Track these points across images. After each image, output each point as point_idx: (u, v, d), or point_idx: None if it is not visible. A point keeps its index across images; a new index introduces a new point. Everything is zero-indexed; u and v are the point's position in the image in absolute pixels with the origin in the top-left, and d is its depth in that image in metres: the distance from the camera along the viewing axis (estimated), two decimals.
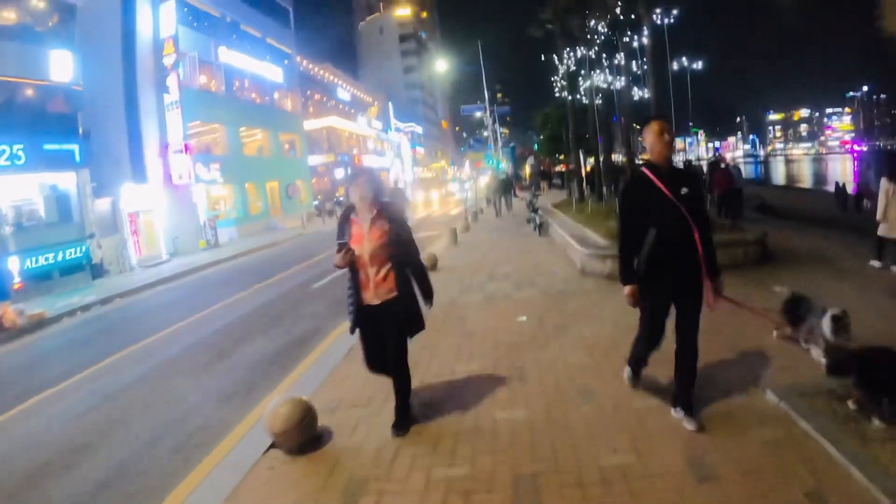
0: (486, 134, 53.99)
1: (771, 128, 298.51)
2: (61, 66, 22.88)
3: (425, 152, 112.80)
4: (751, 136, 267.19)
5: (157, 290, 19.13)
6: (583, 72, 22.12)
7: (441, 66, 67.21)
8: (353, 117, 69.73)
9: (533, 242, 16.68)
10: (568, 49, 22.55)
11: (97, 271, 23.25)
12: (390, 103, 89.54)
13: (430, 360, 6.76)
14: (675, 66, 39.08)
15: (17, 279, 19.51)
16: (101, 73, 28.78)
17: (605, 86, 21.75)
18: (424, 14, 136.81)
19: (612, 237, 10.77)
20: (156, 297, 17.47)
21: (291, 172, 44.94)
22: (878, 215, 9.29)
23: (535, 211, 19.33)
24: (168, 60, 30.17)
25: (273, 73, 42.90)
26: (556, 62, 24.78)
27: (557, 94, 26.48)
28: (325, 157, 59.87)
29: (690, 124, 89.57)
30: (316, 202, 50.19)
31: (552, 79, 27.11)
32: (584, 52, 21.52)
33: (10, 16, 22.34)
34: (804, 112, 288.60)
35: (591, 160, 27.15)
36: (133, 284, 20.00)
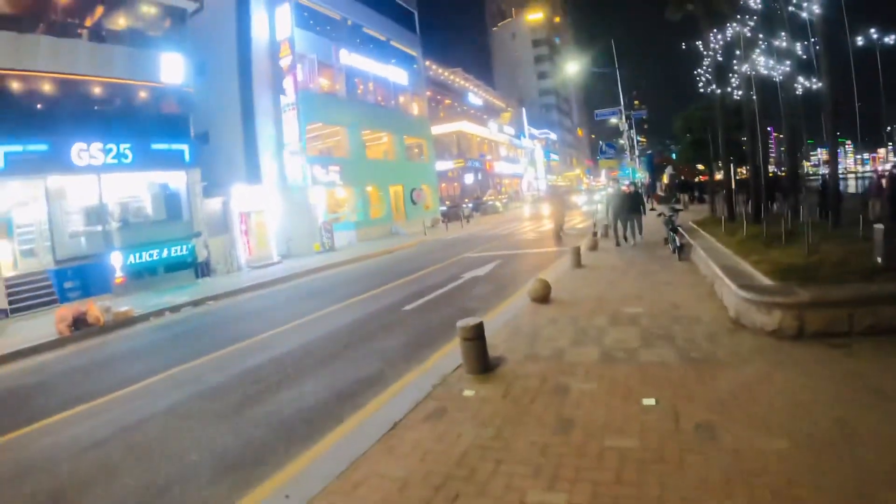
0: (621, 142, 50.84)
1: None
2: (172, 68, 22.92)
3: (560, 160, 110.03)
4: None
5: (253, 294, 18.18)
6: (735, 59, 17.81)
7: (574, 69, 64.76)
8: (485, 122, 68.16)
9: (671, 270, 13.03)
10: (715, 31, 18.48)
11: (203, 270, 23.03)
12: (523, 109, 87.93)
13: (491, 476, 4.30)
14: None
15: (119, 273, 19.72)
16: (219, 75, 28.92)
17: (765, 72, 17.39)
18: (557, 19, 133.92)
19: (782, 274, 8.19)
20: (246, 304, 16.41)
21: (417, 177, 43.71)
22: None
23: (674, 230, 15.53)
24: (284, 62, 29.64)
25: (398, 76, 41.98)
26: (701, 48, 19.71)
27: (701, 90, 21.70)
28: (454, 163, 58.62)
29: (838, 133, 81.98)
30: (443, 208, 48.98)
31: (695, 72, 22.40)
32: (738, 28, 16.41)
33: (120, 20, 22.55)
34: None
35: (742, 170, 23.84)
36: (232, 286, 19.32)
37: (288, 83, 29.41)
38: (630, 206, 18.23)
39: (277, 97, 29.81)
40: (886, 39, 15.85)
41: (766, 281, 8.19)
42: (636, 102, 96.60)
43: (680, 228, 15.81)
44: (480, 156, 65.46)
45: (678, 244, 14.59)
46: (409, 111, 44.64)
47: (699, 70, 21.47)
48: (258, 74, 29.46)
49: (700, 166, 44.68)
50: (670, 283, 11.20)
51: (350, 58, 35.83)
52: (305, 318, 12.50)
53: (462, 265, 18.60)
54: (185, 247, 22.45)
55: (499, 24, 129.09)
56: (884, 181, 16.78)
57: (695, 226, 18.48)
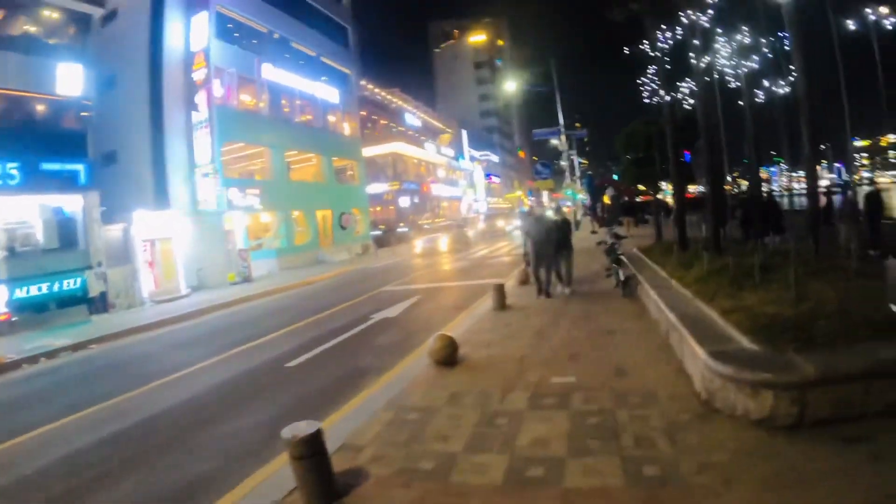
0: (563, 163, 49.50)
1: (856, 155, 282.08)
2: (70, 79, 20.57)
3: (501, 182, 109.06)
4: (836, 165, 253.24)
5: (139, 337, 15.73)
6: (687, 61, 15.15)
7: (515, 88, 63.44)
8: (422, 144, 66.37)
9: (614, 311, 10.85)
10: (664, 28, 16.18)
11: (99, 305, 20.48)
12: (464, 131, 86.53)
13: None
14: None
15: (3, 310, 17.45)
16: (130, 89, 26.55)
17: (726, 71, 14.98)
18: (501, 42, 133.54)
19: (766, 332, 5.98)
20: (124, 350, 14.04)
21: (347, 200, 41.35)
22: None
23: (617, 260, 13.57)
24: (198, 76, 27.28)
25: (328, 93, 39.73)
26: (648, 51, 16.94)
27: (646, 100, 19.22)
28: (389, 185, 56.55)
29: (773, 153, 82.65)
30: (377, 232, 46.81)
31: (639, 81, 19.78)
32: (694, 19, 14.15)
33: (15, 25, 20.16)
34: (892, 137, 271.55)
35: (691, 188, 22.26)
36: (123, 326, 16.92)
37: (201, 98, 27.01)
38: (556, 239, 13.17)
39: (190, 114, 27.33)
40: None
41: (747, 343, 5.96)
42: (577, 125, 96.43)
43: (624, 258, 13.93)
44: (419, 178, 63.61)
45: (622, 278, 12.54)
46: (339, 131, 42.40)
47: (643, 79, 19.27)
48: (171, 88, 26.98)
49: (641, 186, 43.39)
50: (614, 331, 9.18)
51: (275, 73, 33.53)
52: (174, 374, 10.36)
53: (377, 301, 16.66)
54: (77, 279, 19.96)
55: (441, 46, 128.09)
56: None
57: (640, 254, 16.45)
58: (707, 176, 14.00)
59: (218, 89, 28.74)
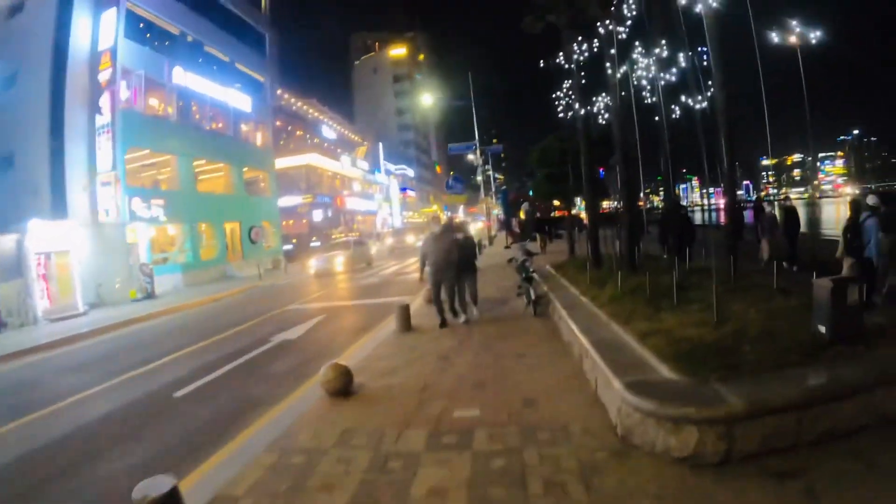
0: (478, 179, 49.19)
1: (764, 173, 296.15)
2: None
3: (417, 196, 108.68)
4: (744, 182, 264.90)
5: (27, 361, 14.09)
6: (603, 72, 14.40)
7: (433, 102, 63.07)
8: (338, 156, 65.27)
9: (525, 333, 10.33)
10: (581, 39, 15.32)
11: None
12: (380, 144, 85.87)
13: None
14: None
15: None
16: (29, 87, 24.70)
17: (643, 85, 14.53)
18: (421, 57, 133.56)
19: (688, 358, 5.58)
20: (8, 376, 12.43)
21: (257, 213, 39.91)
22: None
23: (528, 278, 12.77)
24: (103, 76, 25.59)
25: (241, 101, 38.39)
26: (563, 63, 16.19)
27: (561, 114, 18.73)
28: (303, 198, 55.20)
29: (684, 171, 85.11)
30: (289, 246, 45.45)
31: (553, 96, 19.38)
32: (611, 29, 12.94)
33: None
34: (797, 157, 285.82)
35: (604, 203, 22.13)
36: (7, 348, 15.23)
37: (105, 101, 25.33)
38: (459, 260, 11.55)
39: (94, 117, 25.62)
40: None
41: (666, 371, 5.53)
42: (495, 141, 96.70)
43: (535, 276, 13.35)
44: (333, 191, 62.46)
45: (533, 297, 12.14)
46: (251, 140, 41.20)
47: (559, 94, 18.79)
48: (74, 89, 25.14)
49: (556, 202, 43.40)
50: (524, 355, 8.66)
51: (185, 77, 32.07)
52: (50, 407, 9.09)
53: (280, 321, 15.80)
54: None
55: (361, 58, 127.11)
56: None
57: (553, 271, 16.06)
58: (622, 191, 13.26)
59: (124, 92, 27.14)
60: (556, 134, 24.26)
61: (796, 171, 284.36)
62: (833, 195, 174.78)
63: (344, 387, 7.36)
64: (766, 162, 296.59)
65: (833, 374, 5.00)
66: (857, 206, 9.65)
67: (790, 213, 15.03)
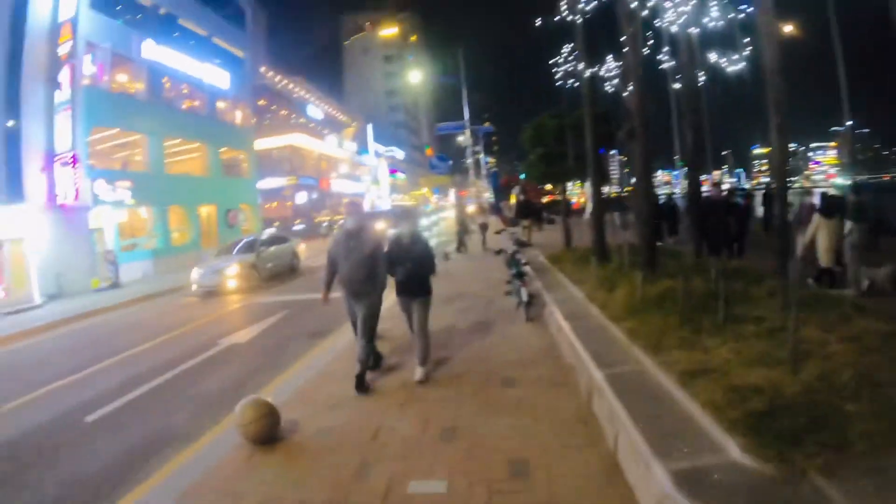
0: (468, 161, 47.55)
1: (756, 161, 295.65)
2: None
3: (407, 178, 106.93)
4: (736, 170, 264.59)
5: None
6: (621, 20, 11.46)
7: (422, 80, 61.27)
8: (323, 137, 63.46)
9: (515, 348, 8.35)
10: None
11: None
12: (369, 125, 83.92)
13: None
14: None
15: None
16: None
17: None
18: (414, 38, 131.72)
19: (774, 434, 3.59)
20: None
21: (235, 195, 38.09)
22: None
23: (519, 274, 10.81)
24: (63, 49, 23.78)
25: (218, 78, 36.39)
26: (567, 13, 11.86)
27: (559, 82, 15.96)
28: (287, 180, 53.44)
29: (676, 157, 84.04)
30: (271, 230, 43.75)
31: (552, 62, 16.48)
32: None
33: None
34: (790, 146, 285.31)
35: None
36: None
37: (64, 75, 23.53)
38: (404, 274, 7.47)
39: (53, 93, 23.84)
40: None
41: (736, 450, 3.58)
42: (486, 123, 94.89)
43: (528, 270, 11.64)
44: (319, 173, 60.77)
45: (524, 298, 10.22)
46: (229, 120, 39.20)
47: (557, 59, 16.42)
48: (32, 63, 23.15)
49: (548, 186, 41.74)
50: (513, 382, 6.80)
51: (157, 51, 30.09)
52: None
53: (237, 317, 14.63)
54: None
55: (351, 38, 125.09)
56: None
57: (548, 264, 14.15)
58: (641, 169, 10.38)
59: (88, 66, 25.35)
60: (552, 111, 22.28)
61: (789, 161, 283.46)
62: (824, 185, 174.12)
63: (267, 432, 5.69)
64: (757, 150, 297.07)
65: None
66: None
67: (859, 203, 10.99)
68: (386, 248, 7.52)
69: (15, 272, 20.54)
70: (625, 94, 11.49)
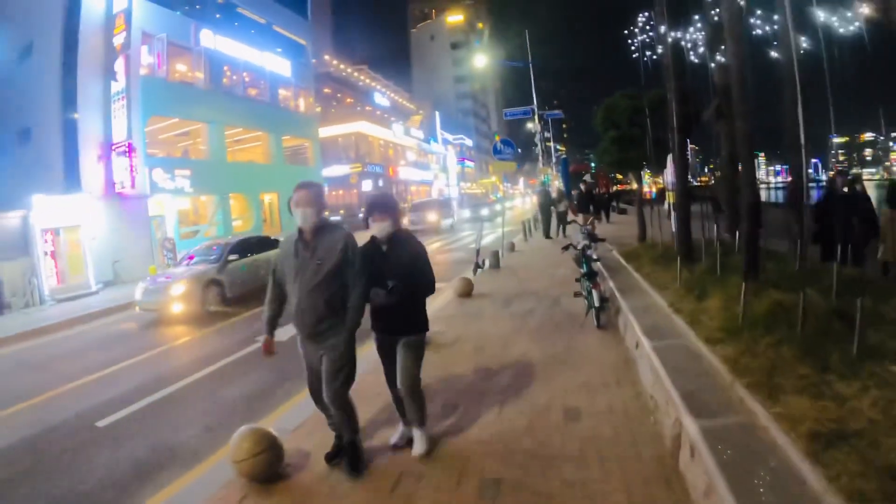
0: (537, 149, 46.29)
1: (834, 151, 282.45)
2: None
3: (476, 167, 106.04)
4: (813, 160, 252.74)
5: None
6: None
7: (490, 66, 60.33)
8: (390, 124, 63.12)
9: (581, 366, 6.81)
10: None
11: None
12: (437, 112, 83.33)
13: None
14: None
15: None
16: (44, 56, 23.26)
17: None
18: (481, 25, 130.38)
19: None
20: None
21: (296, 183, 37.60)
22: None
23: (591, 274, 8.92)
24: (118, 40, 23.83)
25: (280, 66, 36.30)
26: None
27: (636, 53, 14.02)
28: (351, 167, 53.29)
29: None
30: (336, 217, 43.57)
31: (627, 32, 14.27)
32: None
33: None
34: (869, 136, 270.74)
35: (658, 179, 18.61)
36: None
37: (119, 66, 23.59)
38: (382, 304, 4.83)
39: (109, 84, 23.96)
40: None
41: None
42: (556, 105, 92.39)
43: (599, 267, 10.14)
44: (386, 160, 60.53)
45: (596, 303, 8.53)
46: (291, 107, 39.05)
47: (633, 28, 14.61)
48: (88, 55, 23.39)
49: (618, 175, 40.22)
50: (578, 414, 5.34)
51: (215, 41, 30.11)
52: None
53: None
54: None
55: (418, 26, 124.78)
56: None
57: (622, 260, 12.49)
58: (743, 149, 8.23)
59: (145, 57, 25.52)
60: (626, 92, 20.46)
61: (868, 151, 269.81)
62: None
63: (267, 470, 4.55)
64: (836, 140, 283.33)
65: None
66: None
67: None
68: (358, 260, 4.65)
69: (71, 259, 20.65)
70: (712, 65, 10.13)
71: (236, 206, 31.87)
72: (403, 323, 4.77)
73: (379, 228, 4.74)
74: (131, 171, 22.94)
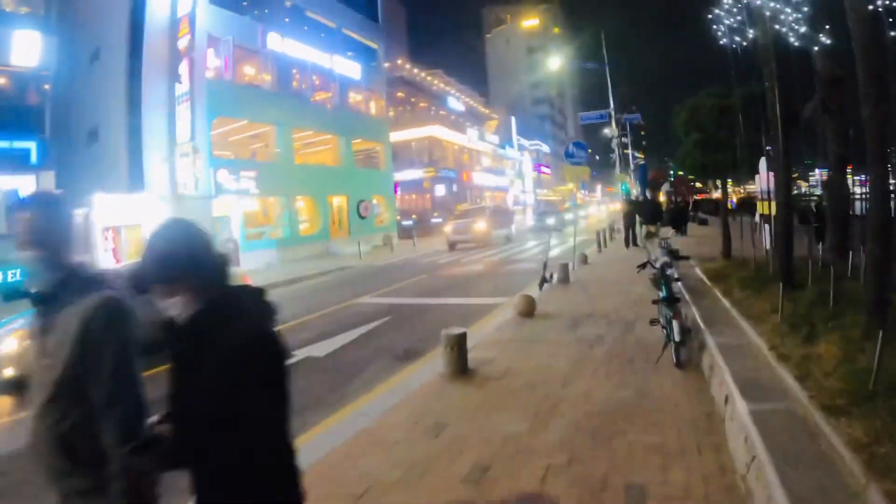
0: (614, 155, 44.49)
1: None
2: (26, 48, 19.23)
3: (552, 173, 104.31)
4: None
5: None
6: None
7: (566, 70, 59.04)
8: (464, 129, 62.35)
9: (652, 423, 5.18)
10: None
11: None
12: (512, 118, 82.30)
13: None
14: None
15: None
16: (110, 60, 23.62)
17: None
18: (556, 30, 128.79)
19: None
20: None
21: (368, 186, 37.52)
22: None
23: (671, 300, 7.20)
24: (182, 43, 23.83)
25: (350, 69, 36.04)
26: None
27: (722, 41, 12.38)
28: (424, 172, 52.72)
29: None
30: (409, 222, 43.00)
31: (712, 17, 12.62)
32: None
33: None
34: None
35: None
36: None
37: (183, 68, 23.54)
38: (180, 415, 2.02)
39: (173, 86, 24.00)
40: None
41: None
42: (633, 110, 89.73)
43: (680, 289, 8.50)
44: (460, 166, 59.78)
45: (677, 337, 6.77)
46: (362, 111, 38.72)
47: (717, 11, 12.80)
48: (153, 58, 23.56)
49: (699, 184, 38.15)
50: (643, 493, 3.89)
51: (283, 44, 30.03)
52: None
53: (333, 321, 12.20)
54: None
55: (493, 31, 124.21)
56: None
57: (706, 280, 10.96)
58: (875, 148, 5.86)
59: (212, 60, 25.62)
60: (711, 90, 18.45)
61: None
62: None
63: None
64: None
65: None
66: None
67: None
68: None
69: (132, 258, 20.73)
70: (815, 48, 8.65)
71: (304, 208, 31.65)
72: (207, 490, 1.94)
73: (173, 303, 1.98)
74: (195, 172, 22.84)
